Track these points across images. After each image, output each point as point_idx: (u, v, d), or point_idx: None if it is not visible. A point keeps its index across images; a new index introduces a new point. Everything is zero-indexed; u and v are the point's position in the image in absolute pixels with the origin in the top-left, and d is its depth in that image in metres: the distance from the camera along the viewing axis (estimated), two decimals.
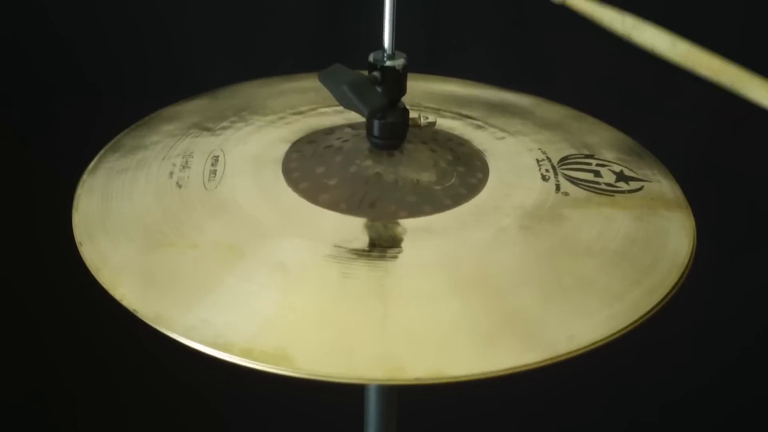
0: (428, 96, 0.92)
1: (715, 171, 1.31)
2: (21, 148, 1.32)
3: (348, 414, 0.96)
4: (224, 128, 0.85)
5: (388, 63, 0.74)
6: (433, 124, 0.80)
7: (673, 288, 0.67)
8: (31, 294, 1.40)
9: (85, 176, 0.80)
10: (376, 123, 0.76)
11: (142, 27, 1.25)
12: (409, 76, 0.77)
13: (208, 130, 0.85)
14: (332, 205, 0.72)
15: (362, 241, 0.68)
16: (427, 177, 0.75)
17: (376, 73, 0.74)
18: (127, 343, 0.84)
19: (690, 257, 0.71)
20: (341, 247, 0.67)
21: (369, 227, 0.70)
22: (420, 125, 0.79)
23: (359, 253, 0.67)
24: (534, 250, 0.69)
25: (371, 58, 0.75)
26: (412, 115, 0.78)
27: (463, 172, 0.77)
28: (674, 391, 1.51)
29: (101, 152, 0.83)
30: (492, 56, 1.26)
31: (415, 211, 0.71)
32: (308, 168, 0.77)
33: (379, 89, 0.74)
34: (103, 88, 1.28)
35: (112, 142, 0.85)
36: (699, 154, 1.29)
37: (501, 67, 1.22)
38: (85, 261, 0.69)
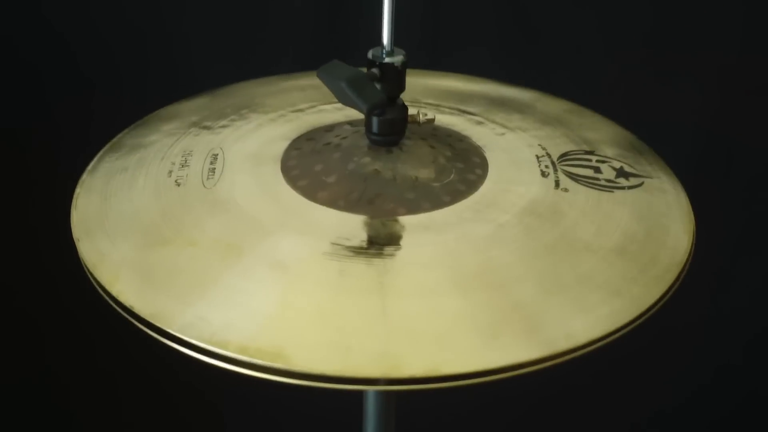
0: (428, 92, 0.92)
1: (717, 168, 1.31)
2: (19, 148, 1.31)
3: (347, 411, 0.96)
4: (224, 126, 0.85)
5: (387, 60, 0.74)
6: (432, 120, 0.80)
7: (672, 285, 0.67)
8: (30, 292, 1.40)
9: (84, 175, 0.80)
10: (374, 120, 0.76)
11: (141, 27, 1.25)
12: (410, 72, 0.77)
13: (207, 128, 0.85)
14: (330, 203, 0.72)
15: (360, 238, 0.68)
16: (425, 174, 0.75)
17: (374, 70, 0.74)
18: (126, 340, 0.84)
19: (689, 254, 0.70)
20: (339, 245, 0.67)
21: (367, 224, 0.70)
22: (419, 122, 0.79)
23: (357, 251, 0.67)
24: (532, 246, 0.68)
25: (370, 54, 0.75)
26: (411, 111, 0.78)
27: (462, 169, 0.77)
28: (675, 389, 1.51)
29: (101, 152, 0.83)
30: (492, 53, 1.26)
31: (414, 208, 0.71)
32: (307, 165, 0.77)
33: (377, 86, 0.74)
34: (101, 88, 1.28)
35: (113, 141, 0.85)
36: (701, 150, 1.28)
37: (502, 65, 1.22)
38: (82, 257, 0.69)
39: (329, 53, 0.75)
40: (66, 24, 1.24)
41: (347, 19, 1.24)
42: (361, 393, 0.92)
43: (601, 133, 0.87)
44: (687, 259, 0.70)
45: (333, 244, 0.67)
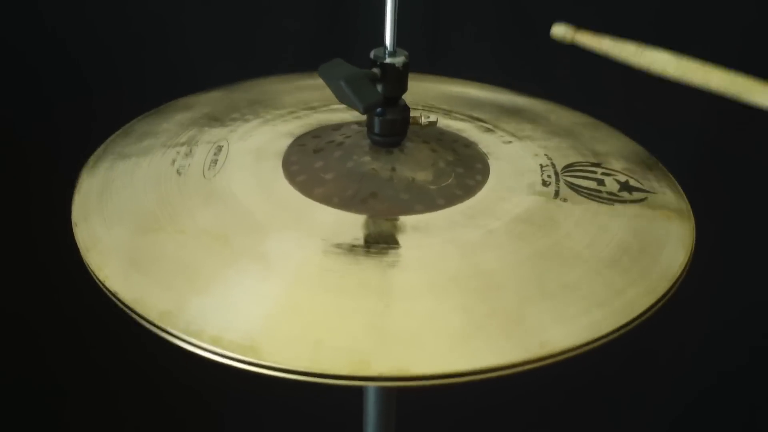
0: (441, 97, 0.92)
1: (719, 168, 1.29)
2: (19, 148, 1.32)
3: (347, 411, 0.96)
4: (234, 120, 0.86)
5: (389, 60, 0.74)
6: (434, 123, 0.80)
7: (659, 300, 0.66)
8: (29, 291, 1.40)
9: (92, 159, 0.81)
10: (375, 120, 0.76)
11: (140, 26, 1.26)
12: (428, 78, 0.77)
13: (218, 120, 0.86)
14: (325, 199, 0.72)
15: (348, 236, 0.68)
16: (423, 176, 0.75)
17: (375, 70, 0.74)
18: (124, 340, 0.85)
19: (683, 270, 0.69)
20: (327, 241, 0.67)
21: (357, 223, 0.70)
22: (421, 124, 0.79)
23: (343, 248, 0.67)
24: (519, 254, 0.67)
25: (372, 54, 0.75)
26: (413, 113, 0.78)
27: (461, 174, 0.76)
28: (673, 392, 1.49)
29: (112, 137, 0.85)
30: (493, 54, 1.25)
31: (406, 210, 0.71)
32: (307, 162, 0.77)
33: (379, 86, 0.74)
34: (100, 89, 1.29)
35: (124, 128, 0.86)
36: (703, 152, 1.26)
37: (503, 67, 1.21)
38: (77, 241, 0.70)
39: (332, 53, 0.75)
40: (64, 24, 1.24)
41: (348, 18, 1.24)
42: (361, 392, 0.92)
43: (612, 147, 0.86)
44: (680, 275, 0.69)
45: (320, 240, 0.67)
